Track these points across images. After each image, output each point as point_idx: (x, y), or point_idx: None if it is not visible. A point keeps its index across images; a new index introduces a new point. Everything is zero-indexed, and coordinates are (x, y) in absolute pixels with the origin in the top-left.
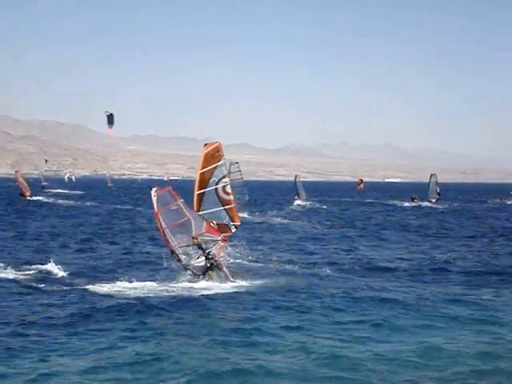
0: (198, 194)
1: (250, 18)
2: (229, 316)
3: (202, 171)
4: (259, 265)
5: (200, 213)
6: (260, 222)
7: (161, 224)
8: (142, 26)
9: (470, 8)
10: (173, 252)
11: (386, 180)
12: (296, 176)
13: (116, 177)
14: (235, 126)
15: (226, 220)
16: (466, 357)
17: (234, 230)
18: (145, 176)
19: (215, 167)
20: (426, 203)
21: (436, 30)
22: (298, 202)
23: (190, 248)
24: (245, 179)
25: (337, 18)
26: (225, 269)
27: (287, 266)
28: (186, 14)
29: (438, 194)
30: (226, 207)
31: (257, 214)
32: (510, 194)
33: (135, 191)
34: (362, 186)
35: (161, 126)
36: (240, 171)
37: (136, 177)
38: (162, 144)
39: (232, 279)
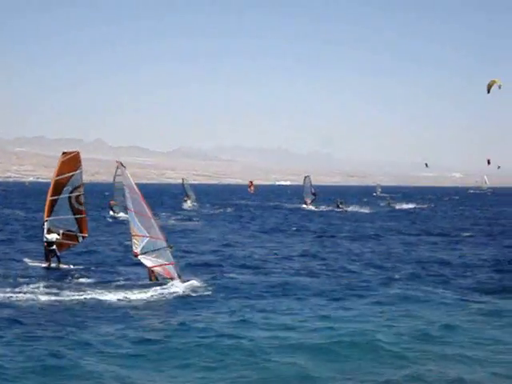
0: (51, 200)
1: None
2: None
3: (57, 178)
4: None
5: (51, 218)
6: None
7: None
8: (27, 31)
9: None
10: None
11: (277, 183)
12: (183, 179)
13: (0, 179)
14: (125, 128)
15: (75, 229)
16: None
17: (80, 240)
18: (31, 179)
19: (71, 175)
20: (351, 208)
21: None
22: (186, 204)
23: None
24: (136, 182)
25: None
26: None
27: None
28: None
29: (314, 194)
30: (77, 216)
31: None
32: (387, 198)
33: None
34: (252, 188)
35: (48, 127)
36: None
37: (23, 179)
38: (49, 146)
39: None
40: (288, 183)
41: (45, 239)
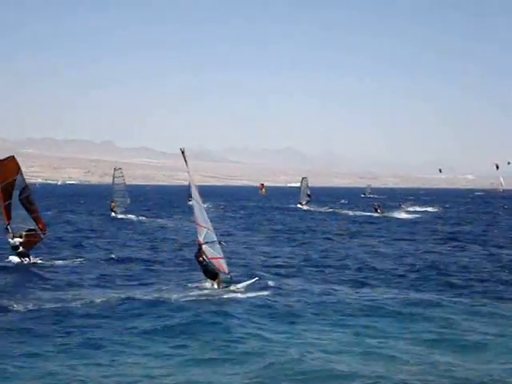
0: (5, 206)
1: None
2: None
3: (3, 185)
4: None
5: (11, 221)
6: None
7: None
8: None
9: None
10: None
11: (289, 185)
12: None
13: None
14: (134, 129)
15: (35, 227)
16: None
17: (42, 236)
18: (40, 180)
19: (15, 180)
20: (393, 214)
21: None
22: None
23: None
24: (145, 183)
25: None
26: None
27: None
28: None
29: (309, 196)
30: (33, 215)
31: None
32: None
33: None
34: (263, 190)
35: (58, 128)
36: (123, 176)
37: (31, 181)
38: (58, 147)
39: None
40: (299, 185)
41: (10, 244)
